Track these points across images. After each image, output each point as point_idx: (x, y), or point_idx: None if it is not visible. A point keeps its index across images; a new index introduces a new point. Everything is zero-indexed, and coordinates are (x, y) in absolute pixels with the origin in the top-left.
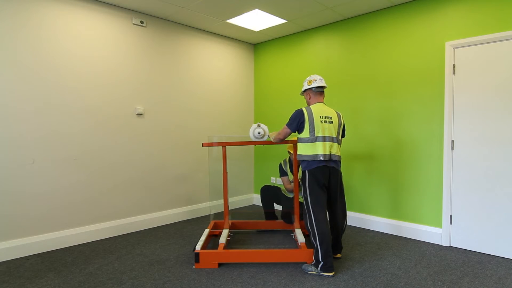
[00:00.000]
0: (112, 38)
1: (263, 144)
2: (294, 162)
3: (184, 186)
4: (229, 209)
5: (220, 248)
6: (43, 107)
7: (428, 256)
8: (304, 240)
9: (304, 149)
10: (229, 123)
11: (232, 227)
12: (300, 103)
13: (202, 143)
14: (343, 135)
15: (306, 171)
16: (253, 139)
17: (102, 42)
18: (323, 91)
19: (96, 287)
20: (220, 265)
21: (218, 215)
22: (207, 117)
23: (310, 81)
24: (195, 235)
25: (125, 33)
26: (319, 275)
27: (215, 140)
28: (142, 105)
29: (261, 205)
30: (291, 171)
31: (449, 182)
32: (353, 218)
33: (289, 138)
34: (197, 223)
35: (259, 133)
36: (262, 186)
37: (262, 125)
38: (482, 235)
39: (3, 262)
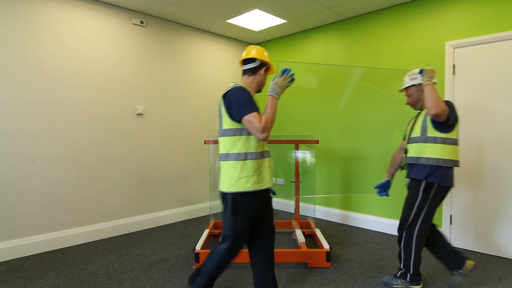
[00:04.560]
0: (112, 38)
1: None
2: (296, 163)
3: (184, 186)
4: None
5: None
6: (44, 107)
7: (428, 256)
8: (304, 240)
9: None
10: None
11: None
12: (300, 102)
13: (204, 141)
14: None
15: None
16: None
17: (102, 42)
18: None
19: (96, 287)
20: None
21: (218, 215)
22: (207, 117)
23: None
24: (195, 235)
25: (125, 33)
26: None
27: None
28: (142, 105)
29: None
30: None
31: None
32: (353, 218)
33: (290, 137)
34: (197, 223)
35: None
36: None
37: None
38: (482, 235)
39: (3, 262)
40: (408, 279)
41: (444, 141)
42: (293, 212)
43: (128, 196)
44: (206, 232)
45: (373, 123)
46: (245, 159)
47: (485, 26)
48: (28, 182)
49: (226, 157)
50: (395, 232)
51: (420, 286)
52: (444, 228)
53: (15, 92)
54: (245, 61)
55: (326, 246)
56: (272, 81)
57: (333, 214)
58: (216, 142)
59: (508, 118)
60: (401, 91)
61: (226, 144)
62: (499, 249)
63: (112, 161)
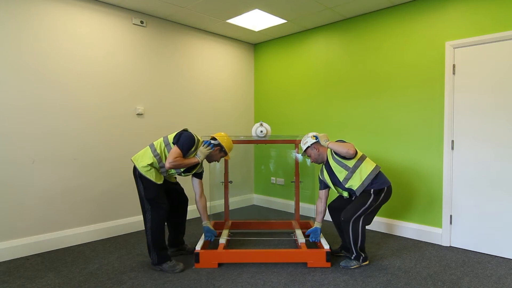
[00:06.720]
0: (112, 38)
1: (265, 143)
2: (296, 163)
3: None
4: (229, 209)
5: (220, 248)
6: (44, 107)
7: (428, 256)
8: (304, 240)
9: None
10: (229, 123)
11: (232, 227)
12: (300, 103)
13: (204, 141)
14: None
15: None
16: (256, 137)
17: (102, 42)
18: None
19: (96, 287)
20: (220, 265)
21: (218, 215)
22: (207, 117)
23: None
24: (195, 235)
25: (125, 33)
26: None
27: None
28: (142, 105)
29: (261, 205)
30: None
31: (449, 182)
32: None
33: (290, 137)
34: (197, 223)
35: (261, 131)
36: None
37: (264, 124)
38: (482, 235)
39: (3, 262)
40: (360, 260)
41: (361, 160)
42: (293, 212)
43: (128, 196)
44: None
45: (373, 123)
46: (156, 157)
47: (485, 26)
48: (28, 182)
49: (152, 147)
50: (395, 232)
51: (368, 261)
52: (444, 228)
53: (15, 92)
54: (213, 138)
55: (326, 246)
56: (199, 149)
57: None
58: None
59: (508, 118)
60: (303, 155)
61: (159, 144)
62: (499, 249)
63: (112, 160)
